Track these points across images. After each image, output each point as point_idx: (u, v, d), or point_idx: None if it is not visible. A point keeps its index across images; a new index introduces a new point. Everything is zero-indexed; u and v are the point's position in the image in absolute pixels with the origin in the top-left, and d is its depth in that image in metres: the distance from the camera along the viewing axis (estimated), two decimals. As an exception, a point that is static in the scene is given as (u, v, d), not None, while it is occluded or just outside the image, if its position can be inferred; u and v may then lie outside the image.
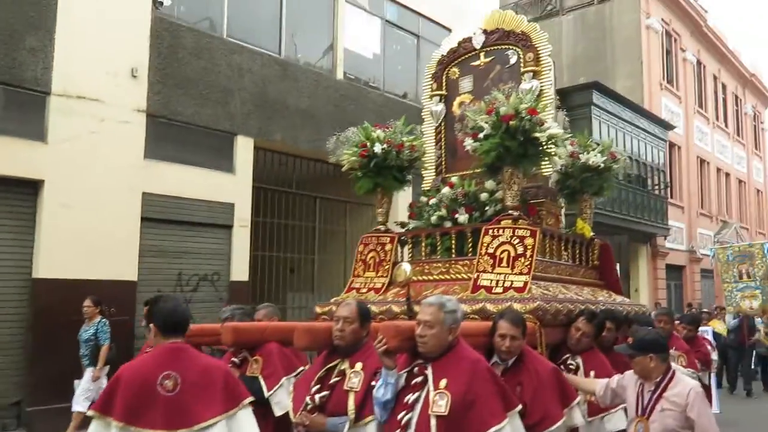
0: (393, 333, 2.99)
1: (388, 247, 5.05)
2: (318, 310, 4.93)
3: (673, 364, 4.89)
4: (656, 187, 19.88)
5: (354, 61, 12.31)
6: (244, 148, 10.04)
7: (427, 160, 5.50)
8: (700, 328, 8.95)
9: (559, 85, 17.73)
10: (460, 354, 3.00)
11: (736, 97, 28.98)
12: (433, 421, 2.80)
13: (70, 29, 8.14)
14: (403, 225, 5.48)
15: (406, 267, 4.03)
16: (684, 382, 3.51)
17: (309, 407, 3.26)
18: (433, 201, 5.08)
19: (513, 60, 5.17)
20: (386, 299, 4.66)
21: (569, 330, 4.09)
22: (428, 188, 5.35)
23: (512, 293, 4.04)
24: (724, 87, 27.51)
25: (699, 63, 24.97)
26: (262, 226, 10.51)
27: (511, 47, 5.21)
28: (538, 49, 5.05)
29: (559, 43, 21.28)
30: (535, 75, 4.97)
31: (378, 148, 5.01)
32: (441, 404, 2.81)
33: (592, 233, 5.44)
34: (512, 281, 4.14)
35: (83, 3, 8.29)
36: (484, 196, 4.92)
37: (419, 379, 2.96)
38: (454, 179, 5.11)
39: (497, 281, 4.20)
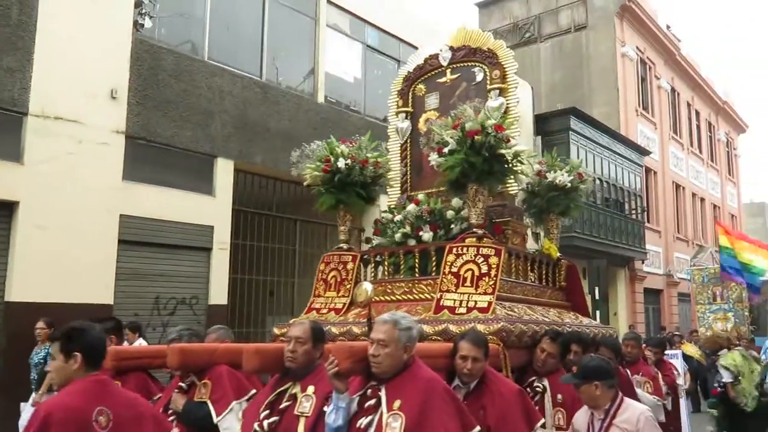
0: (345, 354, 2.84)
1: (350, 266, 4.91)
2: (276, 331, 4.72)
3: (639, 391, 5.00)
4: (633, 211, 20.16)
5: (335, 85, 12.40)
6: (224, 171, 9.99)
7: (393, 177, 5.41)
8: (669, 352, 8.85)
9: (537, 110, 18.07)
10: (415, 373, 2.85)
11: (710, 123, 29.66)
12: None
13: (49, 49, 8.09)
14: (367, 242, 5.31)
15: (367, 286, 3.88)
16: (633, 408, 3.43)
17: None
18: (397, 218, 4.96)
19: (479, 77, 5.13)
20: (347, 320, 4.52)
21: (534, 352, 4.01)
22: (394, 205, 5.25)
23: (476, 314, 3.92)
24: (697, 114, 28.15)
25: (673, 90, 25.55)
26: (241, 248, 10.42)
27: (477, 64, 5.17)
28: (505, 66, 5.03)
29: (537, 70, 21.69)
30: (502, 92, 4.94)
31: (341, 163, 4.87)
32: (395, 426, 2.66)
33: (559, 254, 5.35)
34: (476, 301, 4.03)
35: (62, 23, 8.26)
36: (449, 213, 4.80)
37: (372, 401, 2.81)
38: (420, 196, 5.02)
39: (461, 301, 4.08)
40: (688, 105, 27.17)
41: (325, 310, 4.77)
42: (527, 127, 17.55)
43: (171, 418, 3.55)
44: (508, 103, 4.88)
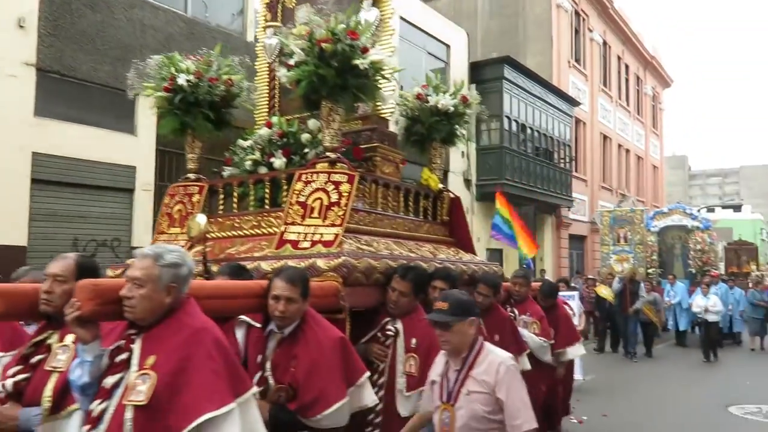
0: (88, 294, 2.19)
1: (196, 198, 4.44)
2: (110, 273, 4.07)
3: (525, 332, 4.94)
4: (562, 160, 20.75)
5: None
6: (146, 109, 9.56)
7: (260, 99, 4.86)
8: (566, 293, 8.96)
9: (472, 58, 18.09)
10: (181, 322, 2.24)
11: (638, 77, 30.55)
12: (128, 414, 2.06)
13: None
14: (218, 172, 4.77)
15: (200, 219, 3.42)
16: (494, 356, 2.88)
17: (2, 394, 2.54)
18: (248, 143, 4.50)
19: None
20: None
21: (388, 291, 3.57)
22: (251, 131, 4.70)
23: (319, 248, 3.48)
24: (627, 67, 28.90)
25: (605, 43, 26.06)
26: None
27: None
28: (380, -25, 4.47)
29: (474, 18, 21.60)
30: (376, 3, 4.43)
31: (183, 80, 4.25)
32: (141, 390, 2.08)
33: (441, 186, 4.94)
34: (322, 234, 3.56)
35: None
36: (305, 137, 4.32)
37: (124, 356, 2.19)
38: (274, 119, 4.53)
39: (306, 234, 3.60)
40: (618, 58, 27.82)
41: None
42: (462, 75, 17.60)
43: None
44: (383, 15, 4.41)
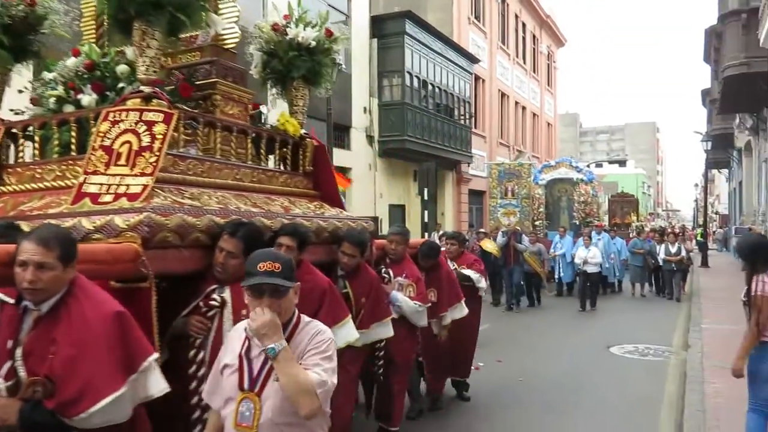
0: None
1: None
2: None
3: (399, 296, 4.61)
4: (462, 117, 21.16)
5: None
6: None
7: (86, 26, 4.12)
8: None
9: (374, 11, 17.84)
10: None
11: (534, 36, 31.45)
12: None
13: None
14: (19, 112, 3.99)
15: None
16: (311, 327, 2.32)
17: None
18: (50, 76, 3.81)
19: None
20: None
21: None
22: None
23: (123, 202, 2.88)
24: (524, 26, 29.64)
25: (503, 1, 26.52)
26: None
27: None
28: None
29: (376, -31, 21.25)
30: None
31: None
32: None
33: (304, 132, 4.41)
34: (128, 185, 2.95)
35: None
36: (122, 69, 3.62)
37: None
38: (83, 46, 3.86)
39: (109, 186, 2.98)
40: (516, 17, 28.45)
41: None
42: (364, 28, 17.36)
43: None
44: None
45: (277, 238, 3.34)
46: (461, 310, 5.61)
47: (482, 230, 15.31)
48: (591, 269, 12.70)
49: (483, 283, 6.22)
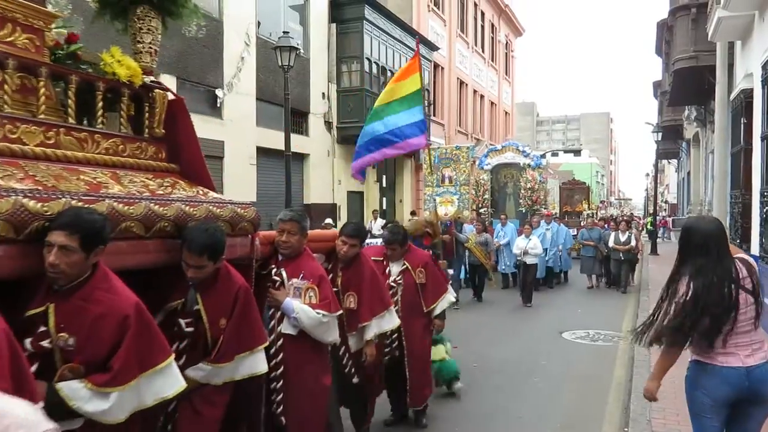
0: None
1: None
2: None
3: (296, 303, 3.44)
4: (421, 104, 21.19)
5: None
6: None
7: None
8: (371, 240, 8.33)
9: (333, -4, 17.66)
10: None
11: (493, 25, 31.70)
12: None
13: None
14: None
15: None
16: None
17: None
18: None
19: None
20: None
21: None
22: None
23: None
24: (483, 14, 29.84)
25: (462, -11, 26.63)
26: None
27: None
28: None
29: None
30: None
31: None
32: None
33: (151, 79, 3.14)
34: None
35: None
36: None
37: None
38: None
39: None
40: (475, 5, 28.61)
41: None
42: (322, 13, 17.18)
43: None
44: None
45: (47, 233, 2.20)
46: (391, 320, 4.33)
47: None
48: (530, 260, 11.79)
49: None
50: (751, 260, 3.16)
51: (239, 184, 13.61)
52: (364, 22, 17.28)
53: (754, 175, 9.01)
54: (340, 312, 3.75)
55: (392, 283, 4.82)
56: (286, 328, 3.48)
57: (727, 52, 12.00)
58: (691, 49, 13.73)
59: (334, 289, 3.91)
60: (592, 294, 13.65)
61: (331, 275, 4.10)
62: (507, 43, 34.44)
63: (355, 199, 19.06)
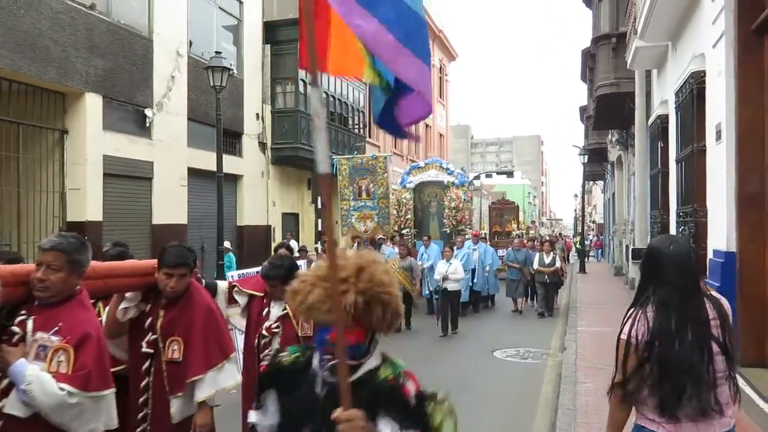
0: None
1: None
2: None
3: (26, 369, 2.35)
4: (356, 126, 21.34)
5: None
6: None
7: None
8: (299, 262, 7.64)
9: (267, 17, 17.63)
10: None
11: (427, 49, 32.32)
12: None
13: None
14: None
15: None
16: None
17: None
18: None
19: None
20: None
21: None
22: None
23: None
24: (417, 39, 30.39)
25: (397, 14, 27.09)
26: None
27: None
28: None
29: (270, -25, 21.01)
30: None
31: None
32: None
33: None
34: None
35: None
36: None
37: None
38: None
39: None
40: (410, 29, 29.14)
41: None
42: (256, 34, 17.09)
43: None
44: None
45: None
46: (231, 374, 3.21)
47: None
48: (452, 286, 10.58)
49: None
50: (725, 302, 2.46)
51: (169, 205, 13.26)
52: (299, 43, 17.27)
53: (671, 195, 9.47)
54: (111, 390, 2.48)
55: (265, 332, 3.56)
56: (11, 406, 2.34)
57: (645, 80, 12.67)
58: (612, 76, 14.41)
59: (153, 336, 3.06)
60: (524, 314, 13.23)
61: (150, 319, 3.14)
62: (441, 67, 35.19)
63: (291, 220, 18.89)
